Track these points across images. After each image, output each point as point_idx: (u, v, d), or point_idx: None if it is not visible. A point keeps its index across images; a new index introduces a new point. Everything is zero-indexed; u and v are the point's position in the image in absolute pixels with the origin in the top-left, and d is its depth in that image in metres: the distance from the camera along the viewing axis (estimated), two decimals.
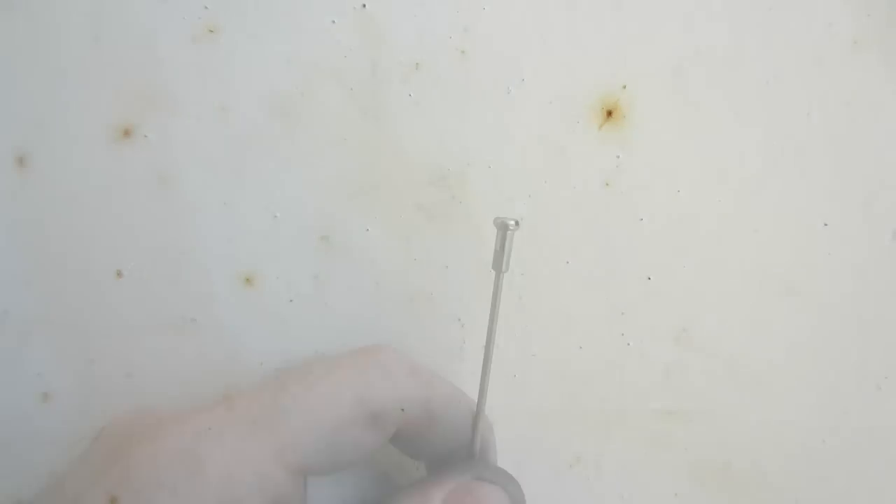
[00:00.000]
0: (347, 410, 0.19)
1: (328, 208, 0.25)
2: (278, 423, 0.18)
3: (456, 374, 0.25)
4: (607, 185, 0.25)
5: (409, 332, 0.25)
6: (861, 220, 0.26)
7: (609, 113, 0.25)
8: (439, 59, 0.24)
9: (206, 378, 0.25)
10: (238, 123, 0.24)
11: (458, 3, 0.24)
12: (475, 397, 0.22)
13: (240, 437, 0.18)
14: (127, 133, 0.24)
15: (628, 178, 0.25)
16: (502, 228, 0.21)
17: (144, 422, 0.19)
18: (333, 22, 0.24)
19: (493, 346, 0.21)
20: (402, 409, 0.20)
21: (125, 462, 0.17)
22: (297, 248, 0.25)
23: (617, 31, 0.25)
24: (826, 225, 0.26)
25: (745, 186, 0.26)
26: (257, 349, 0.25)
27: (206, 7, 0.23)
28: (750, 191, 0.26)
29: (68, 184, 0.24)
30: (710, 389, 0.26)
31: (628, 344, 0.26)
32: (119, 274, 0.24)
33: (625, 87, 0.25)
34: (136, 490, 0.16)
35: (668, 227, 0.26)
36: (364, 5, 0.24)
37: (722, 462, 0.26)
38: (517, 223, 0.21)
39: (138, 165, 0.24)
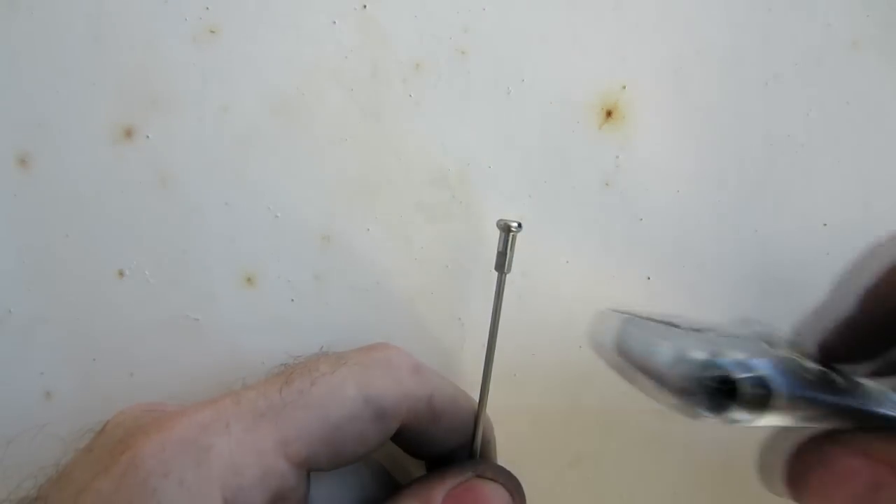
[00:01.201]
0: (351, 406, 0.19)
1: (329, 208, 0.25)
2: (283, 417, 0.18)
3: (456, 373, 0.25)
4: (607, 185, 0.25)
5: (410, 331, 0.25)
6: (861, 220, 0.26)
7: (609, 113, 0.25)
8: (439, 59, 0.24)
9: (207, 377, 0.25)
10: (239, 123, 0.24)
11: (458, 3, 0.24)
12: (476, 396, 0.22)
13: (245, 430, 0.18)
14: (128, 133, 0.24)
15: (628, 178, 0.25)
16: (505, 230, 0.21)
17: (150, 415, 0.19)
18: (334, 22, 0.24)
19: (495, 346, 0.22)
20: (406, 406, 0.20)
21: (131, 452, 0.17)
22: (298, 248, 0.25)
23: (617, 31, 0.25)
24: (826, 225, 0.26)
25: (745, 186, 0.26)
26: (258, 348, 0.25)
27: (207, 7, 0.24)
28: (750, 191, 0.26)
29: (70, 184, 0.24)
30: None
31: None
32: (121, 273, 0.24)
33: (625, 87, 0.25)
34: (143, 479, 0.17)
35: (668, 227, 0.26)
36: (365, 6, 0.24)
37: (721, 461, 0.27)
38: (520, 225, 0.21)
39: (139, 165, 0.24)
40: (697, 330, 0.18)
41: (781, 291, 0.26)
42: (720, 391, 0.14)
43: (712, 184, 0.26)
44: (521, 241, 0.22)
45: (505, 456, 0.24)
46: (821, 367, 0.17)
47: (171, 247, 0.24)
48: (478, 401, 0.22)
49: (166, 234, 0.24)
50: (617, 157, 0.25)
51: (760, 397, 0.14)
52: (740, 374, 0.14)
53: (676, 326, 0.18)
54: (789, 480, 0.18)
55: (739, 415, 0.14)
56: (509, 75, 0.25)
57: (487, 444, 0.23)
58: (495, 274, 0.21)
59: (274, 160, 0.24)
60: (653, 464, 0.27)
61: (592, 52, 0.25)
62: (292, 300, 0.25)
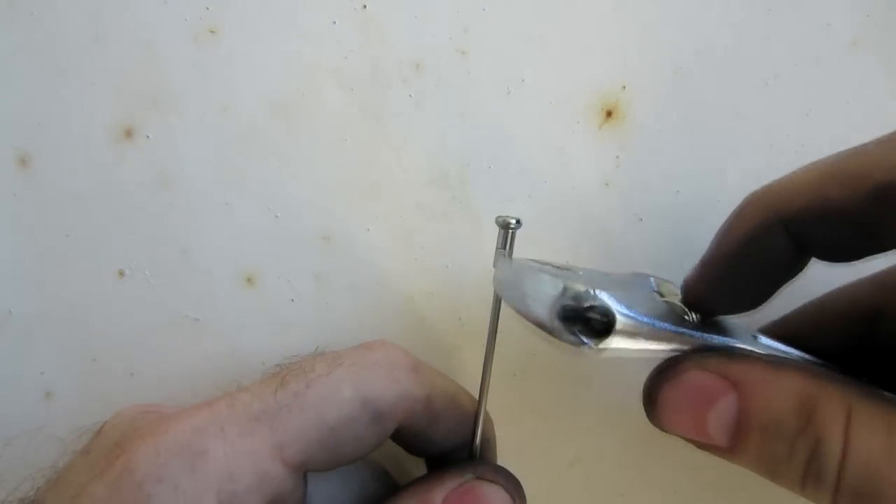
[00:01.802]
0: (348, 407, 0.19)
1: (329, 208, 0.25)
2: (279, 420, 0.18)
3: (456, 373, 0.25)
4: (607, 185, 0.25)
5: (410, 330, 0.25)
6: None
7: (609, 113, 0.25)
8: (439, 59, 0.24)
9: (207, 377, 0.25)
10: (239, 123, 0.24)
11: (458, 3, 0.24)
12: (476, 395, 0.22)
13: (240, 433, 0.18)
14: (128, 133, 0.24)
15: (628, 178, 0.25)
16: (504, 227, 0.21)
17: (146, 417, 0.19)
18: (334, 22, 0.24)
19: (494, 345, 0.22)
20: (403, 407, 0.20)
21: (126, 457, 0.17)
22: (298, 248, 0.25)
23: (617, 31, 0.25)
24: None
25: (745, 186, 0.26)
26: (258, 348, 0.25)
27: (207, 7, 0.24)
28: (749, 191, 0.26)
29: (70, 184, 0.24)
30: None
31: None
32: (121, 273, 0.24)
33: (625, 87, 0.25)
34: (137, 484, 0.17)
35: (668, 227, 0.26)
36: (365, 6, 0.24)
37: (721, 461, 0.26)
38: (518, 222, 0.21)
39: (140, 165, 0.24)
40: (573, 271, 0.20)
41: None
42: (569, 318, 0.16)
43: (712, 184, 0.26)
44: (521, 240, 0.22)
45: (505, 456, 0.24)
46: (683, 307, 0.19)
47: (171, 247, 0.24)
48: (478, 399, 0.22)
49: (166, 233, 0.24)
50: (617, 157, 0.25)
51: (603, 323, 0.16)
52: (585, 303, 0.16)
53: (564, 269, 0.20)
54: (645, 401, 0.20)
55: (588, 338, 0.16)
56: (509, 75, 0.25)
57: (487, 444, 0.23)
58: None
59: (274, 160, 0.24)
60: (653, 464, 0.27)
61: (592, 52, 0.25)
62: (292, 300, 0.25)
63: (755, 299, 0.20)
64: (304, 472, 0.19)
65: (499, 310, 0.21)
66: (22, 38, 0.23)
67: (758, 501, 0.27)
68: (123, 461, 0.17)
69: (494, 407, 0.23)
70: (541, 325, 0.17)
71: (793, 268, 0.19)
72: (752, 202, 0.19)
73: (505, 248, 0.21)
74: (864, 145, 0.17)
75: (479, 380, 0.22)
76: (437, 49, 0.24)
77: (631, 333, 0.16)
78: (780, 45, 0.25)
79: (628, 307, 0.16)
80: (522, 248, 0.23)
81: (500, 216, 0.21)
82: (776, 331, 0.23)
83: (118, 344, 0.24)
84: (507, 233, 0.21)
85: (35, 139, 0.24)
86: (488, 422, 0.23)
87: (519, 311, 0.19)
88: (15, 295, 0.24)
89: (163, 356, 0.25)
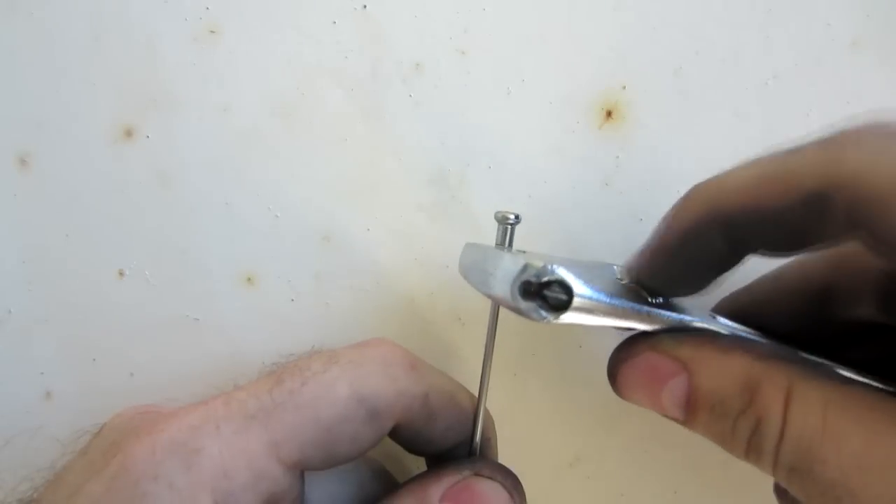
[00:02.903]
0: (344, 406, 0.19)
1: (329, 208, 0.25)
2: (274, 419, 0.18)
3: (456, 373, 0.25)
4: (607, 185, 0.25)
5: (410, 330, 0.25)
6: None
7: (609, 113, 0.25)
8: (439, 59, 0.24)
9: (207, 377, 0.25)
10: (239, 123, 0.24)
11: (458, 3, 0.24)
12: (476, 395, 0.22)
13: (235, 431, 0.18)
14: (128, 133, 0.24)
15: (628, 178, 0.25)
16: (502, 222, 0.21)
17: (144, 417, 0.19)
18: (334, 22, 0.24)
19: (493, 342, 0.22)
20: (400, 405, 0.20)
21: (122, 455, 0.17)
22: (298, 248, 0.25)
23: (617, 31, 0.25)
24: None
25: None
26: (258, 348, 0.25)
27: (207, 8, 0.24)
28: None
29: (70, 184, 0.24)
30: None
31: None
32: (121, 273, 0.24)
33: (625, 87, 0.25)
34: (133, 482, 0.17)
35: None
36: (365, 6, 0.24)
37: (721, 459, 0.27)
38: (517, 217, 0.21)
39: (140, 165, 0.24)
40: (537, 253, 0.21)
41: None
42: (529, 293, 0.17)
43: None
44: (521, 241, 0.22)
45: (505, 455, 0.24)
46: (641, 290, 0.20)
47: (171, 247, 0.24)
48: (477, 397, 0.22)
49: (166, 234, 0.24)
50: (617, 157, 0.25)
51: (560, 300, 0.16)
52: (545, 278, 0.16)
53: (530, 253, 0.21)
54: (608, 374, 0.21)
55: (548, 312, 0.17)
56: (509, 75, 0.25)
57: (487, 442, 0.23)
58: None
59: (274, 160, 0.24)
60: (653, 464, 0.27)
61: (592, 52, 0.25)
62: (292, 300, 0.25)
63: (693, 288, 0.20)
64: (301, 470, 0.19)
65: (498, 310, 0.21)
66: (22, 38, 0.23)
67: (758, 501, 0.27)
68: (119, 459, 0.17)
69: (494, 407, 0.23)
70: (503, 302, 0.17)
71: (730, 262, 0.19)
72: (693, 197, 0.19)
73: (504, 244, 0.21)
74: (801, 147, 0.17)
75: (479, 379, 0.22)
76: (437, 49, 0.24)
77: (588, 307, 0.17)
78: (780, 45, 0.25)
79: (586, 283, 0.17)
80: (523, 248, 0.23)
81: (499, 211, 0.21)
82: (732, 305, 0.24)
83: (118, 344, 0.24)
84: (506, 228, 0.21)
85: (35, 139, 0.24)
86: (488, 420, 0.23)
87: (483, 292, 0.19)
88: (14, 295, 0.24)
89: (163, 356, 0.25)
